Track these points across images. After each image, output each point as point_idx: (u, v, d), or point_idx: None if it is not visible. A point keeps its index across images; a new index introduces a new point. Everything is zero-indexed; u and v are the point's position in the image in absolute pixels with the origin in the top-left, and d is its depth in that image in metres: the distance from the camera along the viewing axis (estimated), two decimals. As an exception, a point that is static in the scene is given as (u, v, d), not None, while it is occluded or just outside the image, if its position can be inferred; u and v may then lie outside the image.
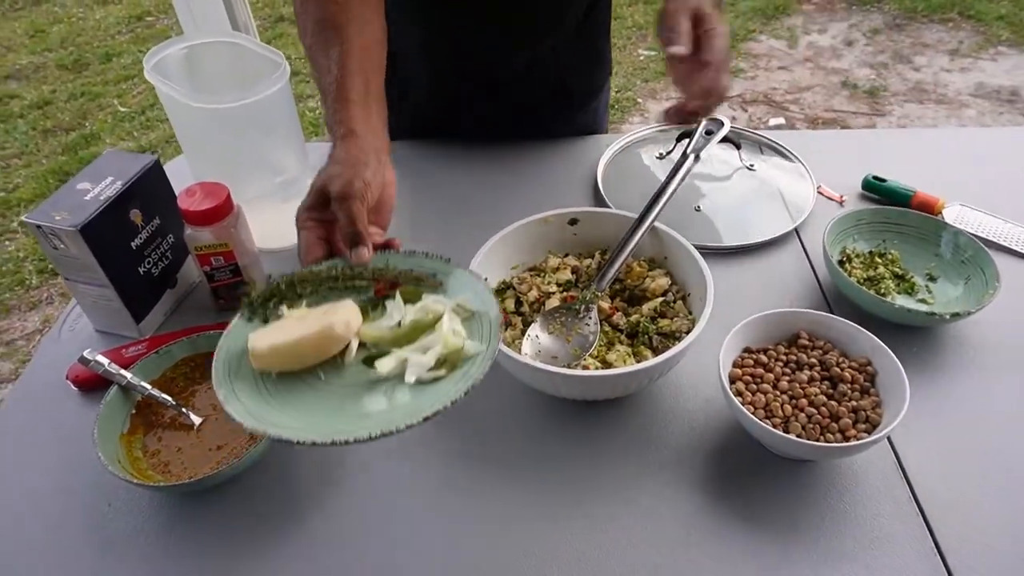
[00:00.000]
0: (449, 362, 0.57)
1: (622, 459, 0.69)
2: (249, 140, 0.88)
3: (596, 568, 0.61)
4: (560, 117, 1.14)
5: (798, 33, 3.55)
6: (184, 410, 0.72)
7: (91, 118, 3.15)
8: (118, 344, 0.81)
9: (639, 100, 3.15)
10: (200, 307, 0.87)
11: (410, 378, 0.57)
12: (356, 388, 0.58)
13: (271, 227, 0.90)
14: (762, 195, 0.98)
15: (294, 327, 0.59)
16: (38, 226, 0.74)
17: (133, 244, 0.79)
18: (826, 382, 0.69)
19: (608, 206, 0.95)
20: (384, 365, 0.58)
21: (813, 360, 0.70)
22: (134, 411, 0.72)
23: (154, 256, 0.82)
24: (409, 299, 0.63)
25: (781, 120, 3.04)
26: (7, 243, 2.53)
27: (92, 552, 0.64)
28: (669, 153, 1.02)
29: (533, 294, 0.78)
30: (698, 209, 0.95)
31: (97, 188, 0.77)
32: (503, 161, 1.09)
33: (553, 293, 0.78)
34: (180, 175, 0.91)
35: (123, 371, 0.72)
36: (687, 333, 0.72)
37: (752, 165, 1.01)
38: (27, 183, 2.78)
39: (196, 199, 0.77)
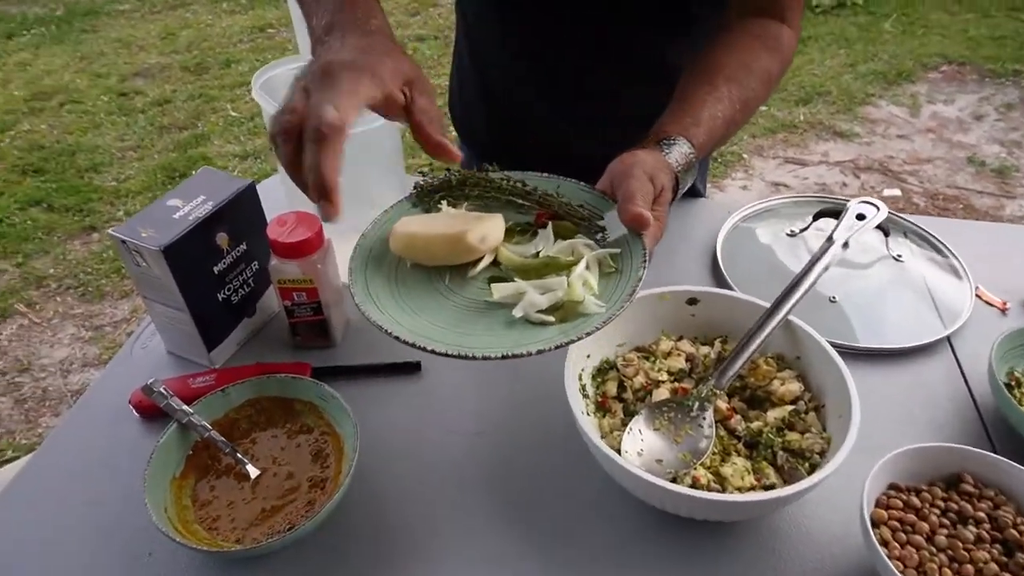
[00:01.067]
0: (564, 311, 0.53)
1: (729, 596, 0.58)
2: (350, 169, 0.82)
3: None
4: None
5: (921, 101, 3.33)
6: (242, 458, 0.66)
7: (204, 119, 3.27)
8: (187, 371, 0.76)
9: (744, 156, 3.01)
10: (276, 340, 0.82)
11: (516, 312, 0.53)
12: (474, 303, 0.56)
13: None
14: (909, 292, 0.85)
15: (439, 223, 0.57)
16: (123, 241, 0.70)
17: (216, 269, 0.75)
18: (998, 545, 0.55)
19: (729, 284, 0.85)
20: (499, 290, 0.55)
21: (981, 514, 0.57)
22: (191, 452, 0.66)
23: (236, 283, 0.78)
24: (562, 234, 0.59)
25: (897, 191, 2.84)
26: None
27: (122, 610, 0.58)
28: (803, 231, 0.91)
29: (639, 380, 0.68)
30: (833, 300, 0.83)
31: (188, 207, 0.73)
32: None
33: (663, 382, 0.68)
34: (274, 196, 0.87)
35: (185, 407, 0.67)
36: (818, 454, 0.61)
37: (900, 256, 0.88)
38: (138, 175, 2.90)
39: (286, 229, 0.72)
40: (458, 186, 0.63)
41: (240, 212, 0.76)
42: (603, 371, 0.70)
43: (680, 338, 0.73)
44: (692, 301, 0.73)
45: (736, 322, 0.71)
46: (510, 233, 0.60)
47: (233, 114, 3.29)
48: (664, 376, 0.68)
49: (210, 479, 0.65)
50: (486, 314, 0.55)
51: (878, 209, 0.76)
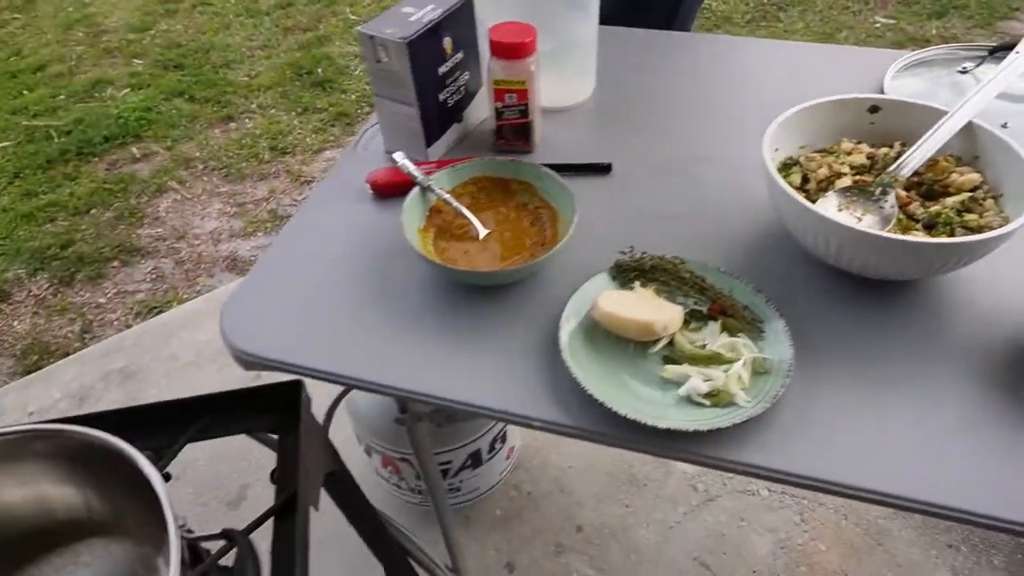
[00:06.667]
0: (718, 398, 0.62)
1: (902, 342, 0.67)
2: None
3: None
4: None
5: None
6: (472, 218, 0.77)
7: (324, 23, 3.40)
8: (408, 163, 0.89)
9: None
10: (479, 146, 0.93)
11: (681, 392, 0.63)
12: (649, 369, 0.66)
13: (549, 86, 0.93)
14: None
15: (632, 304, 0.68)
16: (370, 36, 0.82)
17: (440, 70, 0.85)
18: None
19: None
20: (670, 371, 0.65)
21: None
22: (428, 213, 0.79)
23: (452, 87, 0.88)
24: (728, 329, 0.68)
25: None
26: (247, 121, 2.82)
27: (388, 325, 0.72)
28: (978, 66, 0.94)
29: (823, 172, 0.75)
30: (1005, 126, 0.87)
31: (420, 12, 0.83)
32: (770, 59, 1.06)
33: (845, 174, 0.75)
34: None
35: (425, 176, 0.79)
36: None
37: (1073, 92, 0.91)
38: (266, 72, 3.07)
39: (506, 32, 0.82)
40: (650, 270, 0.73)
41: (461, 22, 0.86)
42: (787, 166, 0.78)
43: (859, 142, 0.79)
44: (874, 109, 0.79)
45: (915, 129, 0.76)
46: (687, 319, 0.70)
47: (352, 17, 3.41)
48: (846, 169, 0.75)
49: (446, 236, 0.78)
50: (659, 385, 0.65)
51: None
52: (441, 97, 0.87)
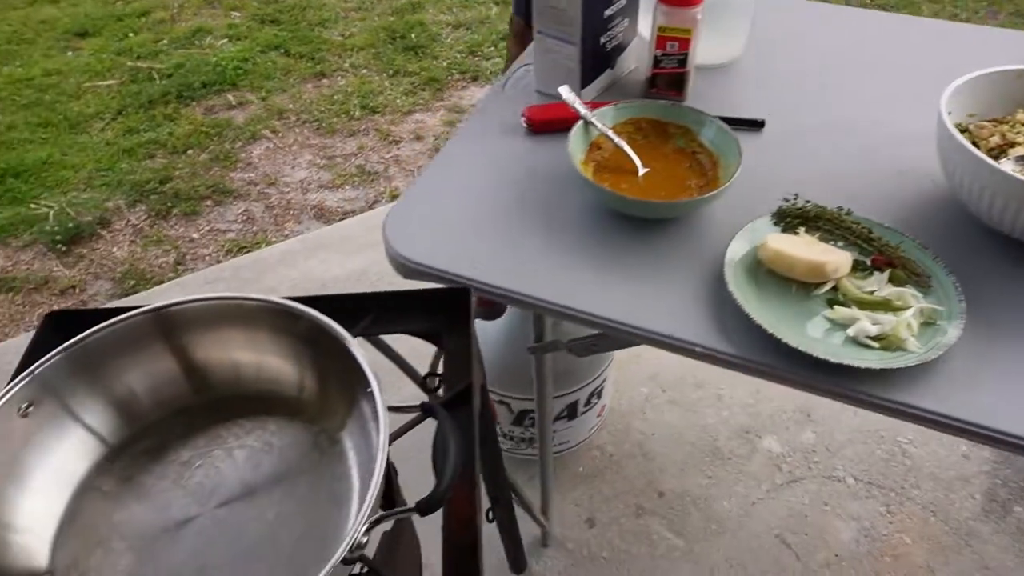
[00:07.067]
0: (887, 342, 0.63)
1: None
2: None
3: None
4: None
5: None
6: (632, 155, 0.79)
7: (417, -9, 3.44)
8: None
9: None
10: (627, 94, 0.94)
11: (850, 332, 0.64)
12: (813, 310, 0.67)
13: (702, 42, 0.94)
14: None
15: (800, 247, 0.69)
16: (545, -28, 0.83)
17: (605, 13, 0.87)
18: None
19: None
20: (839, 312, 0.66)
21: None
22: (587, 148, 0.81)
23: (613, 32, 0.90)
24: (894, 280, 0.68)
25: None
26: (339, 78, 2.87)
27: (550, 248, 0.74)
28: None
29: (995, 140, 0.75)
30: None
31: (593, -47, 0.85)
32: (926, 35, 1.05)
33: (1020, 144, 0.74)
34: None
35: (589, 110, 0.80)
36: None
37: None
38: (360, 34, 3.13)
39: (678, -21, 0.83)
40: (814, 218, 0.73)
41: (628, -33, 0.87)
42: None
43: (1032, 114, 0.78)
44: (1051, 82, 0.78)
45: (1092, 106, 0.75)
46: (852, 267, 0.70)
47: (445, -12, 3.44)
48: (1021, 139, 0.75)
49: (604, 172, 0.79)
50: (822, 326, 0.66)
51: None
52: (602, 40, 0.89)
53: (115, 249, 2.18)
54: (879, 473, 1.36)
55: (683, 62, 0.87)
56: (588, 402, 1.23)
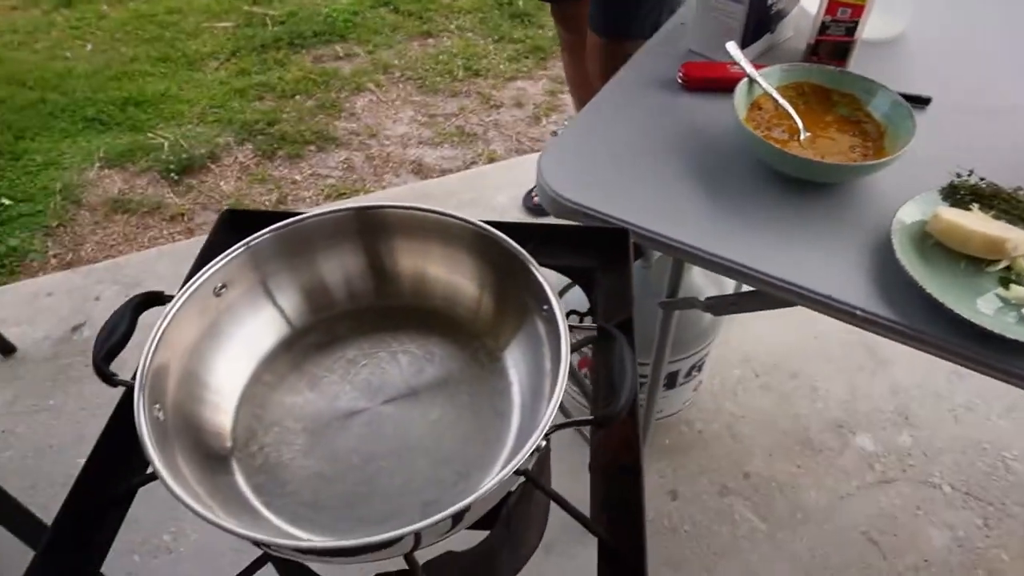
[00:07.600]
0: None
1: None
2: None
3: None
4: None
5: None
6: (796, 117, 0.78)
7: (526, -40, 3.43)
8: (712, 64, 0.90)
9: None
10: (784, 60, 0.92)
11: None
12: (983, 286, 0.65)
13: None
14: None
15: (976, 222, 0.67)
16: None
17: (776, -27, 0.85)
18: None
19: None
20: (1016, 292, 0.64)
21: None
22: (749, 107, 0.80)
23: (779, -6, 0.88)
24: None
25: None
26: (445, 39, 2.90)
27: (710, 202, 0.74)
28: None
29: None
30: None
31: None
32: None
33: None
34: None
35: (755, 69, 0.80)
36: None
37: None
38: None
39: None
40: (989, 196, 0.71)
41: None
42: None
43: None
44: None
45: None
46: None
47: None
48: None
49: (763, 131, 0.78)
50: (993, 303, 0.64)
51: None
52: (769, 1, 0.87)
53: (222, 183, 2.28)
54: (978, 485, 1.31)
55: (852, 31, 0.85)
56: (689, 373, 1.22)
